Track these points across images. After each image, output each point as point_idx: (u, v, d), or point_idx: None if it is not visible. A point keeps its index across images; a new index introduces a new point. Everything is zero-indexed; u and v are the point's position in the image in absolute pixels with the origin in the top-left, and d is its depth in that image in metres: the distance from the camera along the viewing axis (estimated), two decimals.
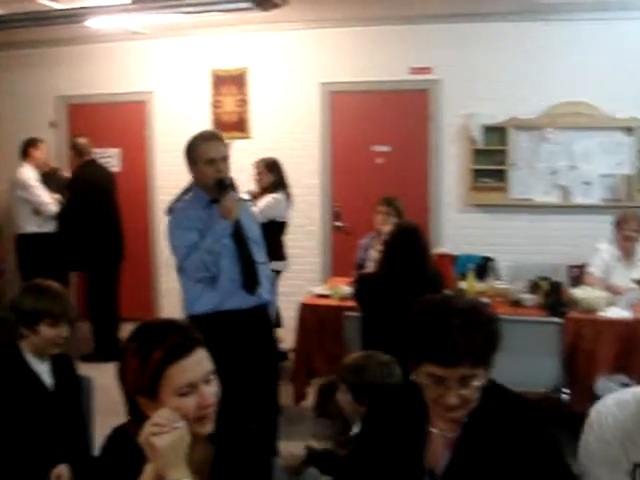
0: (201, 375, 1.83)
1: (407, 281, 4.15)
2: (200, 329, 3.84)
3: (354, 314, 4.66)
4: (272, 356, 4.33)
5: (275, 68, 7.90)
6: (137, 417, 1.85)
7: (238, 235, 3.94)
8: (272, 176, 6.33)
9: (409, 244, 4.30)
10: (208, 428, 1.86)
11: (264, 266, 4.18)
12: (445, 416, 1.98)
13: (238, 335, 3.97)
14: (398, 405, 2.15)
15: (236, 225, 3.91)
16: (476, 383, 1.94)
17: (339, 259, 7.74)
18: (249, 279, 4.00)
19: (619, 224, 5.67)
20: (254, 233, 4.14)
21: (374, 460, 2.11)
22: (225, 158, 3.93)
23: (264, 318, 4.19)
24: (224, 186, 3.86)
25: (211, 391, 1.85)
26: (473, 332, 1.92)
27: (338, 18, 7.42)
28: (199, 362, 1.84)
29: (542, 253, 7.11)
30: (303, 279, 7.38)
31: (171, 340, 1.82)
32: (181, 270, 4.05)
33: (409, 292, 3.37)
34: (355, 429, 2.83)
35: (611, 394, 2.02)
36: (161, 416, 1.77)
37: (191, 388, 1.81)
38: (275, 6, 6.18)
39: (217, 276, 3.93)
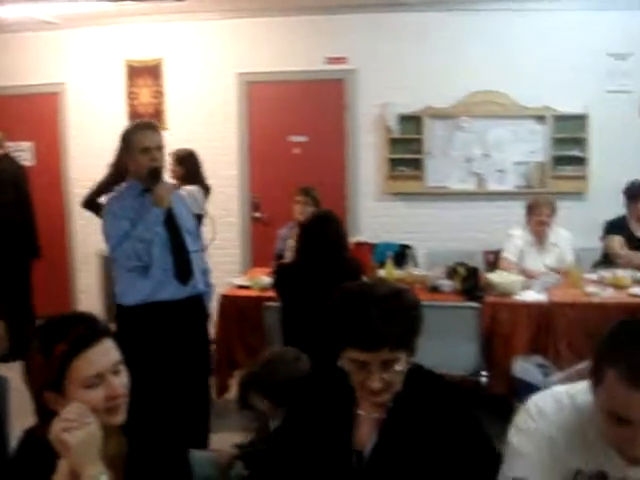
0: (108, 365, 1.82)
1: (324, 269, 4.16)
2: (133, 320, 3.88)
3: (274, 304, 4.66)
4: (205, 348, 4.31)
5: (191, 58, 7.81)
6: (45, 415, 1.83)
7: (171, 224, 3.94)
8: (182, 168, 6.26)
9: (324, 231, 4.32)
10: (119, 419, 1.85)
11: (198, 257, 4.17)
12: (370, 400, 2.02)
13: (171, 326, 3.96)
14: (324, 391, 2.17)
15: (169, 213, 3.91)
16: (398, 367, 1.98)
17: (258, 250, 7.72)
18: (182, 269, 3.99)
19: (532, 209, 5.80)
20: (189, 223, 4.13)
21: (299, 447, 2.12)
22: (160, 147, 3.93)
23: (198, 309, 4.18)
24: (157, 174, 3.87)
25: (120, 382, 1.84)
26: (392, 318, 1.96)
27: (254, 8, 7.38)
28: (105, 352, 1.83)
29: (458, 240, 7.25)
30: (223, 271, 7.30)
31: (75, 332, 1.80)
32: (114, 260, 4.01)
33: (326, 280, 3.40)
34: (275, 423, 2.81)
35: (548, 389, 1.97)
36: (71, 411, 1.75)
37: (98, 379, 1.80)
38: None
39: (149, 265, 3.91)
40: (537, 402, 1.91)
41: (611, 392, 1.62)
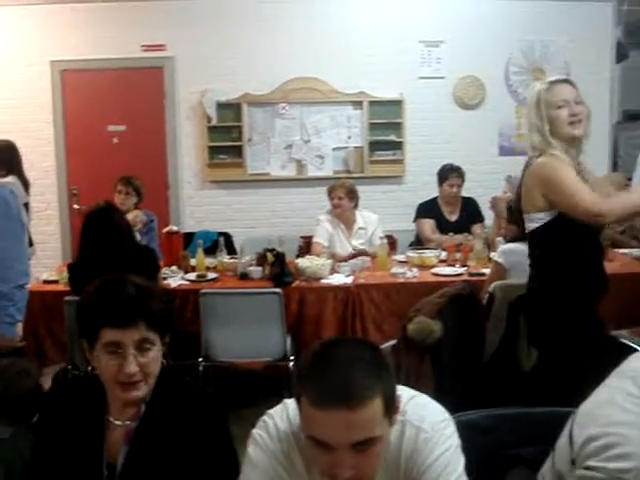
0: None
1: (109, 261, 4.05)
2: None
3: (74, 298, 4.52)
4: None
5: (3, 46, 7.48)
6: None
7: None
8: None
9: (100, 225, 4.26)
10: None
11: None
12: (126, 397, 1.95)
13: None
14: (75, 399, 2.08)
15: None
16: (153, 353, 1.95)
17: None
18: None
19: (329, 193, 5.92)
20: None
21: (52, 461, 2.03)
22: None
23: None
24: None
25: None
26: (149, 296, 1.97)
27: None
28: None
29: (280, 226, 7.34)
30: (45, 266, 7.09)
31: None
32: None
33: (109, 271, 3.33)
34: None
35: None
36: None
37: None
38: None
39: None
40: (276, 421, 1.82)
41: (307, 417, 1.62)
